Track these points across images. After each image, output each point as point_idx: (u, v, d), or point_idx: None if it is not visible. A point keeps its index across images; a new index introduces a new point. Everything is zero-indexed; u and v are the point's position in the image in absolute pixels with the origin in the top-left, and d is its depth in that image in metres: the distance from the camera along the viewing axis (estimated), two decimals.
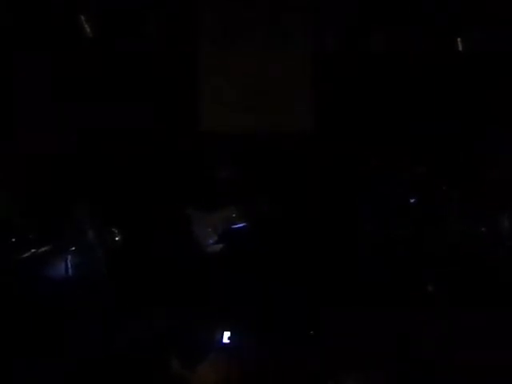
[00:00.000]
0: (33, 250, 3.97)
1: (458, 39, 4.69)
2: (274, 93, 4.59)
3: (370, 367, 3.47)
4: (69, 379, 3.53)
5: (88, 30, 4.34)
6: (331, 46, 4.63)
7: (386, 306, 4.04)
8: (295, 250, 4.30)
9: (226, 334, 3.64)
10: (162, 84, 4.46)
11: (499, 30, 4.60)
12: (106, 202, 4.30)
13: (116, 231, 4.12)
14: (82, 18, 4.36)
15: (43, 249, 3.99)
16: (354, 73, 4.63)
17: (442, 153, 4.68)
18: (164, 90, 4.47)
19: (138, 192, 4.39)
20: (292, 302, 4.04)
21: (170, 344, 3.66)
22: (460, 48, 4.69)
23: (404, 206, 4.54)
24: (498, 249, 4.34)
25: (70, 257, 4.05)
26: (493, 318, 3.89)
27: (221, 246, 4.29)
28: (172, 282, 4.13)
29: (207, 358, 3.17)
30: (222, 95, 4.58)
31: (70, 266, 4.06)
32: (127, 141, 4.45)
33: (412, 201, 4.54)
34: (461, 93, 4.68)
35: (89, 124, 4.40)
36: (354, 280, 4.19)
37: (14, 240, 3.96)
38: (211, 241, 4.31)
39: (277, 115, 4.59)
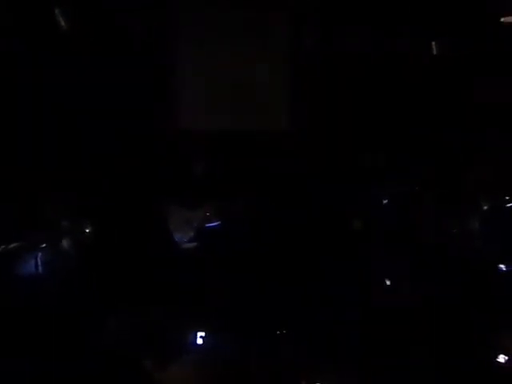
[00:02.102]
0: (3, 246, 3.92)
1: (434, 42, 4.73)
2: (253, 92, 4.58)
3: (342, 367, 3.50)
4: (40, 379, 3.49)
5: (67, 27, 4.28)
6: (311, 45, 4.63)
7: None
8: (268, 248, 4.29)
9: (200, 335, 3.63)
10: (140, 82, 4.42)
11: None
12: (80, 198, 4.25)
13: (89, 229, 4.09)
14: (60, 14, 4.29)
15: (14, 245, 3.94)
16: (333, 73, 4.64)
17: (417, 154, 4.72)
18: (142, 89, 4.43)
19: (114, 188, 4.34)
20: (265, 301, 4.03)
21: (141, 343, 3.64)
22: (436, 50, 4.73)
23: (380, 207, 4.58)
24: (471, 249, 4.41)
25: (40, 253, 4.01)
26: None
27: (195, 244, 4.27)
28: (144, 280, 4.09)
29: (180, 359, 3.15)
30: (200, 94, 4.55)
31: (40, 262, 4.01)
32: (104, 137, 4.40)
33: (385, 201, 4.58)
34: (437, 94, 4.72)
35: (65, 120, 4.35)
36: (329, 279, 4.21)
37: None
38: (185, 239, 4.29)
39: (255, 114, 4.58)
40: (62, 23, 4.31)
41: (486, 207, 4.57)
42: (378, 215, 4.54)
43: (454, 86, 4.71)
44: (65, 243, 4.10)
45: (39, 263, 3.99)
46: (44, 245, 4.03)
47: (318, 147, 4.62)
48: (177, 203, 4.39)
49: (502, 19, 4.75)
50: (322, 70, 4.66)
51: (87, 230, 4.15)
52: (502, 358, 3.72)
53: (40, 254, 4.01)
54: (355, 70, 4.67)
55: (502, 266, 4.30)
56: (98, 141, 4.40)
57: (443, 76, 4.72)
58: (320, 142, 4.62)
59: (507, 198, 4.58)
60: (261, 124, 4.61)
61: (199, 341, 3.64)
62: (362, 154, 4.65)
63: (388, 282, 4.24)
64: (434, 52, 4.76)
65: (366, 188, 4.61)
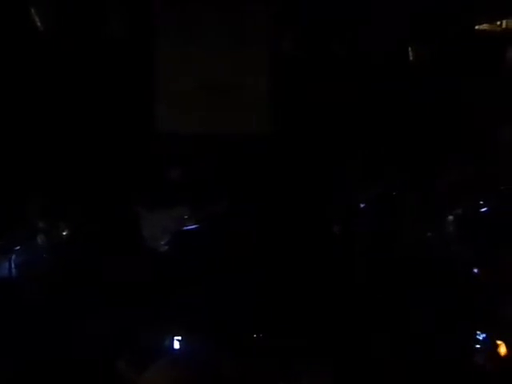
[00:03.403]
0: None
1: (411, 48, 4.77)
2: (233, 94, 4.57)
3: (319, 367, 3.50)
4: (15, 380, 3.45)
5: (42, 24, 4.23)
6: (290, 46, 4.63)
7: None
8: (245, 252, 4.29)
9: (177, 339, 3.60)
10: (118, 84, 4.39)
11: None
12: (57, 201, 4.20)
13: (66, 231, 4.05)
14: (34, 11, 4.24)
15: None
16: (312, 74, 4.65)
17: (394, 157, 4.76)
18: (120, 90, 4.40)
19: (90, 190, 4.30)
20: (242, 304, 4.02)
21: (116, 346, 3.60)
22: (413, 56, 4.77)
23: (358, 209, 4.61)
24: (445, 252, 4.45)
25: (14, 255, 3.97)
26: None
27: (172, 247, 4.25)
28: (121, 283, 4.06)
29: (155, 363, 3.11)
30: (177, 96, 4.53)
31: (14, 264, 3.97)
32: (82, 138, 4.36)
33: (363, 205, 4.61)
34: (414, 97, 4.75)
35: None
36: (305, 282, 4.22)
37: None
38: (163, 242, 4.26)
39: (234, 117, 4.57)
40: (39, 23, 4.26)
41: (460, 211, 4.63)
42: (357, 219, 4.57)
43: (430, 90, 4.75)
44: (40, 245, 4.06)
45: (13, 265, 3.94)
46: (18, 247, 3.99)
47: (297, 150, 4.63)
48: (154, 206, 4.37)
49: (477, 27, 4.82)
50: (302, 72, 4.67)
51: (64, 233, 4.11)
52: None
53: (14, 256, 3.97)
54: (334, 73, 4.69)
55: (476, 270, 4.36)
56: (75, 143, 4.36)
57: (422, 80, 4.76)
58: (300, 145, 4.63)
59: (481, 202, 4.64)
60: (240, 126, 4.60)
61: (176, 344, 3.62)
62: (342, 157, 4.67)
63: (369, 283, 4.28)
64: (411, 58, 4.80)
65: (346, 192, 4.63)
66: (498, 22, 4.93)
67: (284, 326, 3.96)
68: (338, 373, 3.42)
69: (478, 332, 3.81)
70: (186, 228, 4.31)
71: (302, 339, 3.80)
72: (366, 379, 3.62)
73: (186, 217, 4.29)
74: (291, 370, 3.36)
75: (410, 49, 4.77)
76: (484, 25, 4.88)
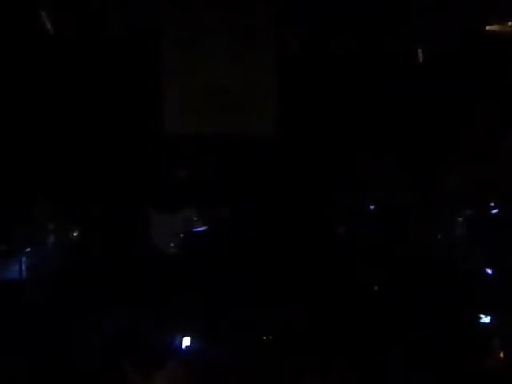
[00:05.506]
0: None
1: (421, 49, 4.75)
2: (238, 95, 4.57)
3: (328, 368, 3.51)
4: (17, 380, 3.48)
5: (49, 26, 4.24)
6: (296, 47, 4.62)
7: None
8: (255, 254, 4.30)
9: (186, 340, 3.61)
10: (123, 84, 4.40)
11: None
12: (65, 202, 4.23)
13: (74, 232, 4.08)
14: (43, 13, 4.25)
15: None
16: (318, 75, 4.64)
17: (401, 158, 4.75)
18: (126, 91, 4.41)
19: (98, 192, 4.33)
20: (251, 306, 4.04)
21: (122, 348, 3.62)
22: (423, 57, 4.76)
23: (365, 210, 4.61)
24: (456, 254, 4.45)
25: (25, 258, 3.99)
26: None
27: (182, 248, 4.27)
28: (129, 284, 4.09)
29: (164, 366, 3.12)
30: (183, 96, 4.54)
31: (25, 267, 4.00)
32: (88, 139, 4.38)
33: (372, 207, 4.61)
34: (421, 98, 4.74)
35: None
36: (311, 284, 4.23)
37: None
38: (172, 243, 4.28)
39: (240, 117, 4.58)
40: (48, 26, 4.27)
41: (470, 213, 4.62)
42: (357, 220, 4.57)
43: (437, 90, 4.73)
44: (50, 247, 4.09)
45: (23, 268, 3.97)
46: (28, 249, 4.02)
47: (303, 152, 4.63)
48: (163, 208, 4.39)
49: (487, 27, 4.79)
50: (309, 73, 4.66)
51: (74, 234, 4.14)
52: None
53: (24, 259, 4.00)
54: (335, 73, 4.68)
55: (489, 270, 4.35)
56: (84, 144, 4.38)
57: (431, 81, 4.75)
58: (305, 148, 4.63)
59: (492, 204, 4.63)
60: (246, 128, 4.60)
61: (184, 346, 3.64)
62: (343, 157, 4.66)
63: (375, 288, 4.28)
64: (421, 59, 4.79)
65: (347, 192, 4.63)
66: (510, 23, 4.91)
67: (286, 326, 3.97)
68: (338, 373, 3.43)
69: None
70: (195, 230, 4.32)
71: (303, 340, 3.81)
72: (367, 380, 3.63)
73: (194, 219, 4.30)
74: (292, 371, 3.37)
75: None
76: (494, 25, 4.86)
